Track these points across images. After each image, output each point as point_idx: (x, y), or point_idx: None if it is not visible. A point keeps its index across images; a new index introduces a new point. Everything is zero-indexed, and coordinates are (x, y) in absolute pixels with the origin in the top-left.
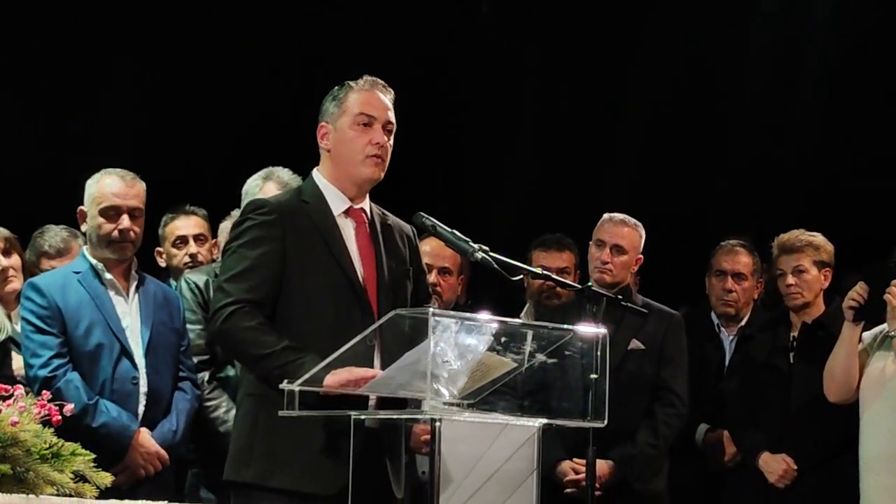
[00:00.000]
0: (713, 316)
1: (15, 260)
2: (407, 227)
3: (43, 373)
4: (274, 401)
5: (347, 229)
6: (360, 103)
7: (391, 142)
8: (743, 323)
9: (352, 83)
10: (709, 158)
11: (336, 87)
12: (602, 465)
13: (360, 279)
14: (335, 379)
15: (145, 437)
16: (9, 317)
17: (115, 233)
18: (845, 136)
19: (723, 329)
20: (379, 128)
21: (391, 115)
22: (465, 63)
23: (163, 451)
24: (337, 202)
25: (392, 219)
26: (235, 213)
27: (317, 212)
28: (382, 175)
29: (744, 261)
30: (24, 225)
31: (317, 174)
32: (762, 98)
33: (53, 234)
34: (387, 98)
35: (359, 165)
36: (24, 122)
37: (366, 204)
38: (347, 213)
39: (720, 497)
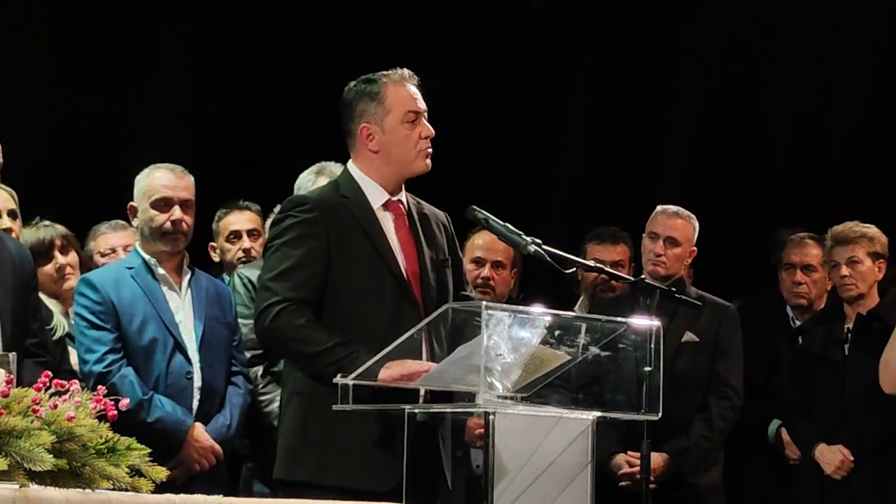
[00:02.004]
0: (788, 309)
1: (73, 258)
2: (442, 215)
3: (97, 368)
4: (323, 398)
5: (387, 222)
6: (405, 99)
7: None
8: None
9: (382, 78)
10: (761, 147)
11: (362, 83)
12: (657, 458)
13: (404, 272)
14: (390, 373)
15: (200, 432)
16: (66, 314)
17: (168, 224)
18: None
19: (797, 322)
20: (423, 120)
21: (424, 104)
22: (515, 53)
23: (217, 446)
24: (376, 195)
25: (427, 207)
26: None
27: (357, 206)
28: (430, 166)
29: (813, 252)
30: (73, 221)
31: (353, 167)
32: (812, 83)
33: (109, 221)
34: (416, 86)
35: (413, 161)
36: (72, 120)
37: (402, 195)
38: (386, 205)
39: (777, 488)
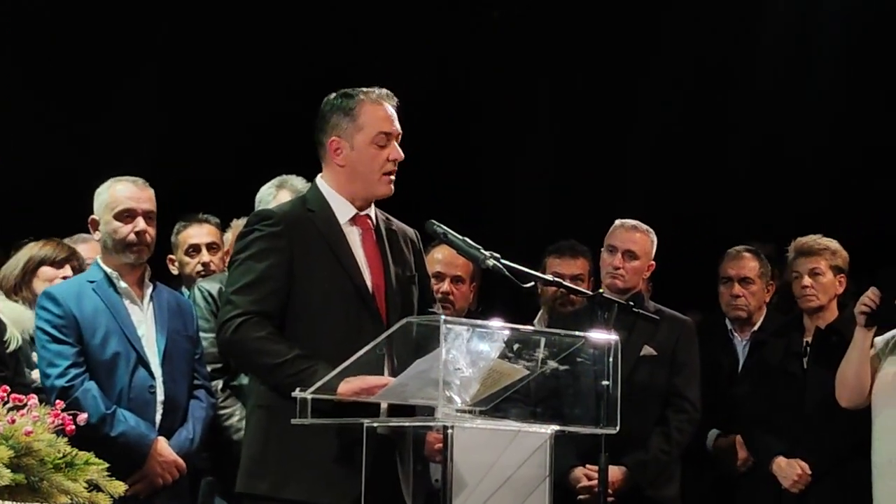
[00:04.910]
0: (727, 322)
1: (67, 272)
2: (411, 232)
3: (60, 382)
4: (284, 411)
5: (354, 237)
6: (378, 120)
7: None
8: (756, 327)
9: (360, 95)
10: (720, 164)
11: (340, 97)
12: (615, 472)
13: (369, 286)
14: (349, 387)
15: (163, 446)
16: None
17: (132, 235)
18: (858, 140)
19: (736, 334)
20: (394, 143)
21: (399, 126)
22: (478, 70)
23: (180, 460)
24: (343, 210)
25: (396, 223)
26: (236, 224)
27: (323, 221)
28: (393, 191)
29: (749, 265)
30: (37, 233)
31: (321, 182)
32: (774, 103)
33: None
34: (393, 107)
35: (376, 184)
36: (35, 131)
37: (371, 210)
38: (353, 220)
39: (733, 502)
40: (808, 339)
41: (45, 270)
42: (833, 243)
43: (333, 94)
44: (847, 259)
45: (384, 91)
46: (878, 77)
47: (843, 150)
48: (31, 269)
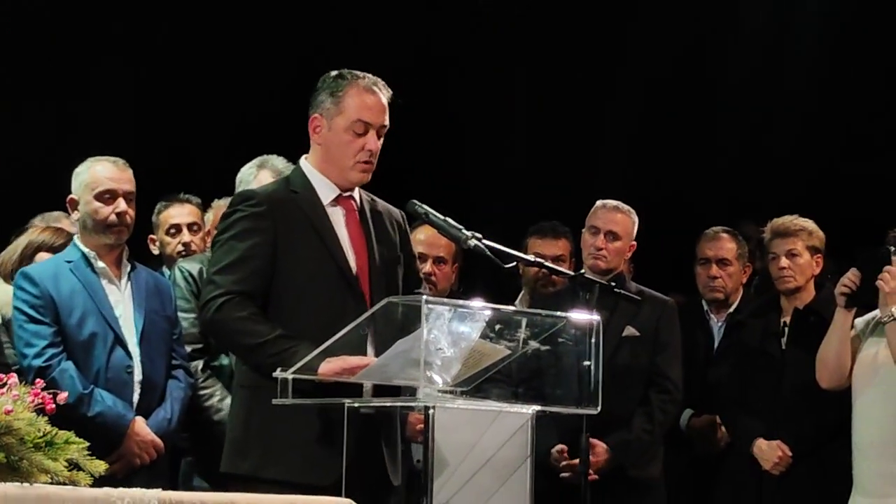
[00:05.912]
0: (703, 303)
1: None
2: (396, 213)
3: (37, 363)
4: (267, 392)
5: (337, 217)
6: (359, 108)
7: (381, 141)
8: (732, 309)
9: (350, 77)
10: (701, 145)
11: (333, 76)
12: (599, 450)
13: (352, 267)
14: (330, 367)
15: (141, 426)
16: None
17: (113, 216)
18: (837, 121)
19: (712, 315)
20: (373, 133)
21: (386, 118)
22: (458, 51)
23: (158, 440)
24: (326, 191)
25: (381, 204)
26: (217, 204)
27: (306, 201)
28: (369, 179)
29: (727, 246)
30: (16, 213)
31: (305, 163)
32: (754, 84)
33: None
34: (384, 98)
35: (348, 170)
36: (14, 110)
37: (355, 191)
38: (337, 201)
39: (713, 483)
40: (786, 319)
41: (43, 256)
42: (809, 223)
43: (332, 73)
44: (823, 239)
45: (379, 81)
46: (858, 63)
47: (825, 131)
48: (28, 255)
